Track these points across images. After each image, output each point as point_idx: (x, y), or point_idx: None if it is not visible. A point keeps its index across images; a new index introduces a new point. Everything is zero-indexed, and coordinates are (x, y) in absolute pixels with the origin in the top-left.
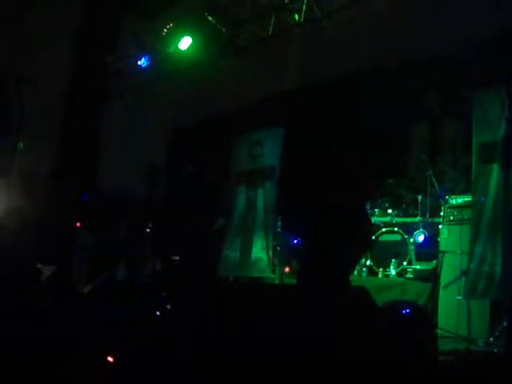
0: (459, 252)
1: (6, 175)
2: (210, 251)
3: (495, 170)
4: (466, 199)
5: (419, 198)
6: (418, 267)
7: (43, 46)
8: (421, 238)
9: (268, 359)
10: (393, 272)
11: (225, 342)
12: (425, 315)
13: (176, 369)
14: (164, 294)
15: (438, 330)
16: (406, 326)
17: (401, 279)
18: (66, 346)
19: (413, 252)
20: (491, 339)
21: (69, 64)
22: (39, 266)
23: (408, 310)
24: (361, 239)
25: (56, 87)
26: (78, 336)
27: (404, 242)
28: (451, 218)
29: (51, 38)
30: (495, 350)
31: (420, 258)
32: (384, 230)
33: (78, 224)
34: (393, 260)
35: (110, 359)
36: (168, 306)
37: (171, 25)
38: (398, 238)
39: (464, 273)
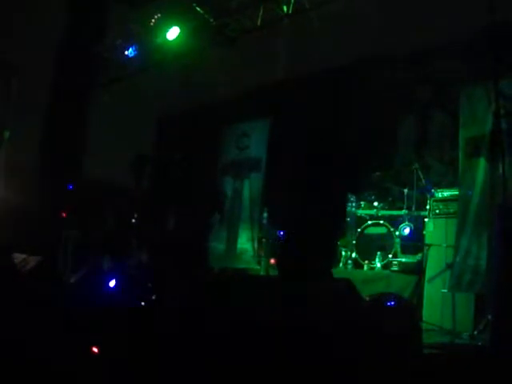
0: (444, 245)
1: None
2: (201, 241)
3: (482, 164)
4: (452, 193)
5: (405, 191)
6: (403, 260)
7: (30, 36)
8: (406, 231)
9: (251, 353)
10: (378, 265)
11: (209, 333)
12: (409, 308)
13: (162, 358)
14: (150, 284)
15: (423, 323)
16: (390, 318)
17: (386, 272)
18: (51, 336)
19: (398, 245)
20: (476, 332)
21: (55, 53)
22: (24, 256)
23: (392, 303)
24: (338, 227)
25: (43, 77)
26: (64, 326)
27: (390, 235)
28: (437, 211)
29: (38, 27)
30: (479, 344)
31: (405, 250)
32: (370, 222)
33: (64, 214)
34: (378, 253)
35: (95, 349)
36: (154, 297)
37: (159, 15)
38: (383, 230)
39: (449, 266)
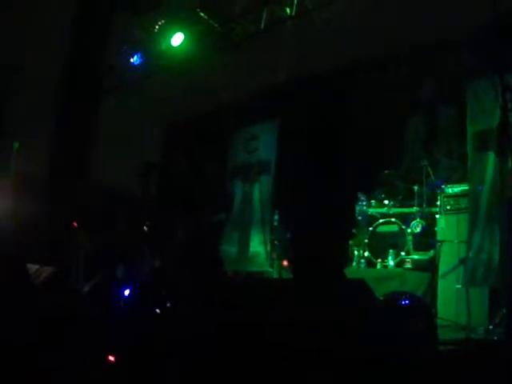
0: (457, 241)
1: (1, 177)
2: (211, 246)
3: (491, 158)
4: (463, 188)
5: (415, 188)
6: (416, 257)
7: (35, 48)
8: (418, 228)
9: (267, 355)
10: (391, 263)
11: (228, 339)
12: (423, 306)
13: (178, 367)
14: (164, 292)
15: (438, 320)
16: (405, 317)
17: (399, 270)
18: (66, 346)
19: (410, 242)
20: (491, 327)
21: (61, 62)
22: (37, 266)
23: (407, 302)
24: (349, 228)
25: (49, 86)
26: (79, 335)
27: (401, 233)
28: (448, 207)
29: (43, 36)
30: (495, 338)
31: (418, 247)
32: (381, 221)
33: (75, 224)
34: (391, 251)
35: (111, 358)
36: (168, 304)
37: (163, 21)
38: (395, 228)
39: (462, 261)
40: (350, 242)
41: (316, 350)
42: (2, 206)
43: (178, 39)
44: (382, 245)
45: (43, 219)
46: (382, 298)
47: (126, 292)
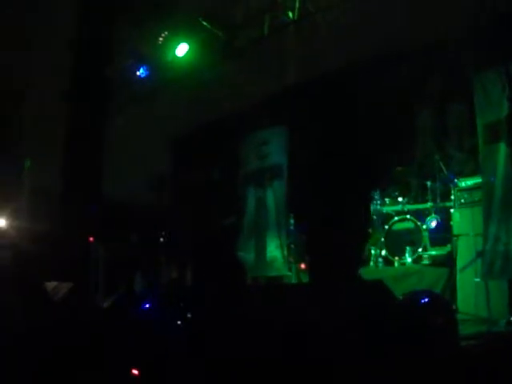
0: (473, 234)
1: (15, 194)
2: (228, 251)
3: (502, 149)
4: (476, 181)
5: (428, 183)
6: (433, 253)
7: (42, 64)
8: (433, 224)
9: (291, 359)
10: (408, 260)
11: (252, 348)
12: (443, 302)
13: (201, 379)
14: (182, 303)
15: (459, 314)
16: (425, 315)
17: (417, 266)
18: (89, 362)
19: (427, 238)
20: None
21: (68, 79)
22: (55, 283)
23: (426, 299)
24: (364, 229)
25: (57, 103)
26: (101, 351)
27: (417, 229)
28: (462, 200)
29: (50, 55)
30: None
31: (434, 243)
32: (396, 218)
33: (91, 238)
34: (407, 248)
35: (135, 372)
36: (189, 315)
37: (166, 33)
38: (410, 225)
39: (479, 254)
40: (367, 242)
41: (336, 353)
42: (15, 224)
43: (182, 50)
44: (398, 242)
45: (58, 234)
46: (401, 298)
47: (146, 305)
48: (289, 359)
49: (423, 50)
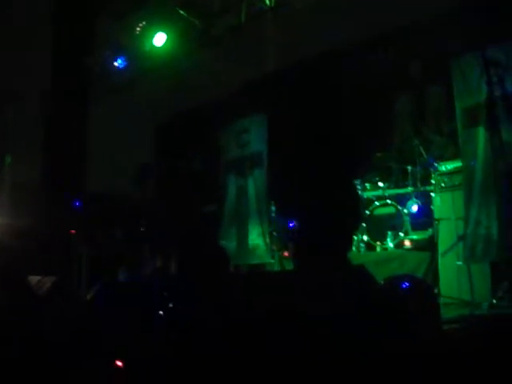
0: (454, 218)
1: None
2: (210, 239)
3: (481, 133)
4: (456, 165)
5: (409, 168)
6: (414, 237)
7: (19, 60)
8: (414, 208)
9: (276, 348)
10: (390, 244)
11: (235, 335)
12: (425, 287)
13: (188, 369)
14: (165, 292)
15: (441, 298)
16: (406, 300)
17: (399, 251)
18: (73, 355)
19: (408, 223)
20: (495, 301)
21: (48, 72)
22: (38, 277)
23: (407, 284)
24: (353, 214)
25: (37, 97)
26: (84, 343)
27: (398, 214)
28: (442, 184)
29: (26, 47)
30: (499, 312)
31: (416, 227)
32: (377, 203)
33: (73, 231)
34: (389, 232)
35: (119, 363)
36: (171, 305)
37: (144, 23)
38: (392, 210)
39: (461, 238)
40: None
41: (318, 338)
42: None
43: (160, 39)
44: (379, 227)
45: (42, 230)
46: (382, 283)
47: (128, 295)
48: (274, 347)
49: (402, 34)
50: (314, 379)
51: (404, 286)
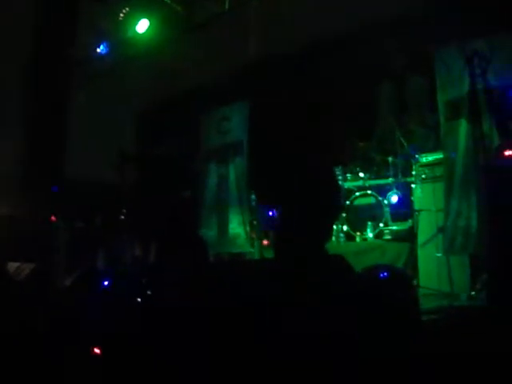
0: (434, 209)
1: None
2: (187, 226)
3: (463, 126)
4: (437, 156)
5: (389, 159)
6: (394, 228)
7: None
8: (395, 199)
9: (254, 336)
10: (370, 235)
11: (212, 324)
12: (403, 277)
13: (166, 355)
14: (144, 280)
15: (421, 289)
16: (384, 289)
17: (379, 241)
18: (51, 341)
19: (388, 213)
20: (473, 293)
21: (28, 58)
22: (18, 264)
23: (385, 274)
24: (332, 204)
25: (17, 83)
26: (62, 330)
27: (378, 204)
28: (423, 176)
29: (10, 36)
30: (478, 303)
31: (396, 218)
32: (358, 194)
33: (53, 217)
34: (369, 223)
35: (97, 351)
36: (149, 292)
37: (127, 9)
38: (372, 200)
39: (441, 230)
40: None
41: (298, 326)
42: None
43: (143, 26)
44: (360, 218)
45: (21, 216)
46: (359, 272)
47: (106, 282)
48: (251, 334)
49: (386, 24)
50: (289, 363)
51: (382, 275)
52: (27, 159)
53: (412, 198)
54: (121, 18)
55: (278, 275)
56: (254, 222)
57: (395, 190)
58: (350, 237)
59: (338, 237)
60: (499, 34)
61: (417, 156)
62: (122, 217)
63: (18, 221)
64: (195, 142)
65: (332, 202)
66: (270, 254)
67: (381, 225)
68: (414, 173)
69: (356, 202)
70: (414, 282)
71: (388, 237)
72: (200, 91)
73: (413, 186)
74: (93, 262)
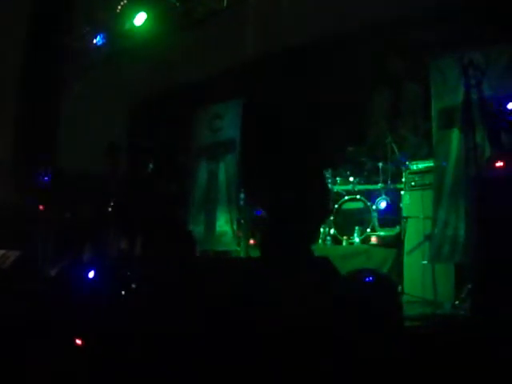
0: (422, 217)
1: None
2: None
3: (455, 135)
4: (427, 164)
5: (380, 164)
6: (381, 234)
7: None
8: (383, 205)
9: (238, 335)
10: (357, 239)
11: (195, 319)
12: (387, 282)
13: (147, 348)
14: (129, 272)
15: (405, 296)
16: (368, 293)
17: (365, 246)
18: (33, 331)
19: (376, 219)
20: (457, 302)
21: (22, 46)
22: (3, 251)
23: (370, 278)
24: (321, 206)
25: (11, 72)
26: (46, 320)
27: (367, 210)
28: (413, 183)
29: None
30: (461, 313)
31: (383, 224)
32: (346, 198)
33: (41, 207)
34: (356, 227)
35: (79, 341)
36: (133, 285)
37: (125, 1)
38: (360, 205)
39: (428, 237)
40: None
41: (281, 326)
42: None
43: (140, 19)
44: (347, 222)
45: (9, 204)
46: (344, 275)
47: (91, 274)
48: (233, 332)
49: (384, 29)
50: (269, 363)
51: (367, 279)
52: (16, 147)
53: (400, 205)
54: (118, 11)
55: (263, 274)
56: (242, 221)
57: (384, 196)
58: (336, 240)
59: (324, 240)
60: (495, 46)
61: (407, 163)
62: (110, 209)
63: (6, 208)
64: (187, 137)
65: (320, 205)
66: (256, 254)
67: (368, 230)
68: (403, 179)
69: (344, 206)
70: (399, 289)
71: (375, 242)
72: (194, 87)
73: (402, 192)
74: (79, 253)
